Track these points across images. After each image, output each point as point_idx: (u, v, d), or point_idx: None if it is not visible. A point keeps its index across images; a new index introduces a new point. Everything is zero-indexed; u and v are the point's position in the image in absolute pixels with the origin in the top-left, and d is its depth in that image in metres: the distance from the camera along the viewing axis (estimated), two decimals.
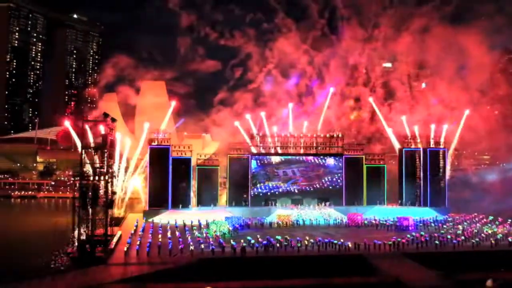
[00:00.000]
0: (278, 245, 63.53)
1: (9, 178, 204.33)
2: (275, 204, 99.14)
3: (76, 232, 63.10)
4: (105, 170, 66.83)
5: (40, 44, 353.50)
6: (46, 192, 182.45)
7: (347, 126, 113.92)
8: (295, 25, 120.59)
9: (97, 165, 65.84)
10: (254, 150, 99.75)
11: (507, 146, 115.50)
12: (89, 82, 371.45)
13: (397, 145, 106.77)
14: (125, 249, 60.99)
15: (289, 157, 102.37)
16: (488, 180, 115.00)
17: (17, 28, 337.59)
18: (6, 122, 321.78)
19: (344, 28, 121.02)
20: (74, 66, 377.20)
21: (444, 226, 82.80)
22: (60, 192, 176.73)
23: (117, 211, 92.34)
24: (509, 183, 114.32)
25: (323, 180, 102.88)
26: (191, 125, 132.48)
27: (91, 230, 64.09)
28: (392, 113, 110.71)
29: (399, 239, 65.26)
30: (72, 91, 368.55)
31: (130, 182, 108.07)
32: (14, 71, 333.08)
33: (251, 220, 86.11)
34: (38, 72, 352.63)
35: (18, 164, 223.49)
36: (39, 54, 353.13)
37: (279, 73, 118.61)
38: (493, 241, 67.46)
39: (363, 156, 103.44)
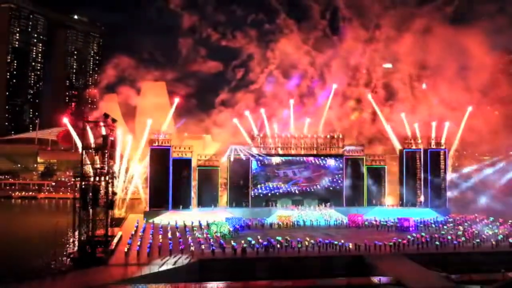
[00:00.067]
0: (278, 246, 63.49)
1: (10, 179, 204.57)
2: (276, 205, 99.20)
3: (76, 233, 63.06)
4: (105, 170, 66.88)
5: (40, 44, 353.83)
6: (46, 193, 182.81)
7: (349, 127, 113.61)
8: (296, 26, 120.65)
9: (98, 166, 65.88)
10: (255, 150, 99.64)
11: (508, 146, 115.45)
12: (90, 83, 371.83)
13: (398, 146, 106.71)
14: (126, 249, 60.97)
15: (290, 157, 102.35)
16: (489, 180, 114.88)
17: (18, 29, 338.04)
18: (6, 123, 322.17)
19: (346, 28, 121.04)
20: (74, 67, 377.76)
21: (445, 227, 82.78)
22: (61, 193, 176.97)
23: (117, 212, 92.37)
24: (510, 184, 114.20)
25: (323, 181, 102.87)
26: (192, 125, 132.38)
27: (91, 231, 64.15)
28: (393, 113, 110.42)
29: (399, 240, 65.22)
30: (73, 91, 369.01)
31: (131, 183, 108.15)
32: (14, 72, 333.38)
33: (252, 221, 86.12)
34: (38, 72, 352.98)
35: (19, 165, 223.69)
36: (39, 54, 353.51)
37: (281, 74, 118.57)
38: (493, 242, 67.36)
39: (364, 157, 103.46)
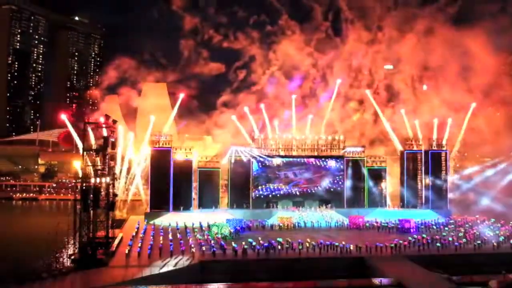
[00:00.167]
0: (279, 247, 63.48)
1: (11, 180, 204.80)
2: (277, 206, 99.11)
3: (77, 235, 63.08)
4: (106, 172, 66.95)
5: (41, 46, 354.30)
6: (47, 194, 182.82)
7: (351, 128, 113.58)
8: (299, 27, 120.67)
9: (99, 167, 65.97)
10: (255, 151, 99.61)
11: (510, 147, 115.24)
12: (91, 84, 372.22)
13: (399, 147, 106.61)
14: (127, 251, 60.92)
15: (291, 159, 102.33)
16: (490, 182, 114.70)
17: (19, 30, 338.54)
18: (7, 124, 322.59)
19: (348, 30, 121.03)
20: (75, 68, 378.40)
21: (446, 228, 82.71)
22: (62, 194, 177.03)
23: (118, 213, 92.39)
24: (511, 185, 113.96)
25: (324, 182, 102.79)
26: (193, 127, 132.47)
27: (92, 232, 64.23)
28: (395, 115, 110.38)
29: (400, 242, 65.15)
30: (74, 93, 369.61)
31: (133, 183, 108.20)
32: (15, 73, 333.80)
33: (252, 222, 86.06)
34: (39, 74, 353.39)
35: (20, 166, 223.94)
36: (40, 56, 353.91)
37: (283, 75, 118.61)
38: (495, 244, 67.25)
39: (365, 158, 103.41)
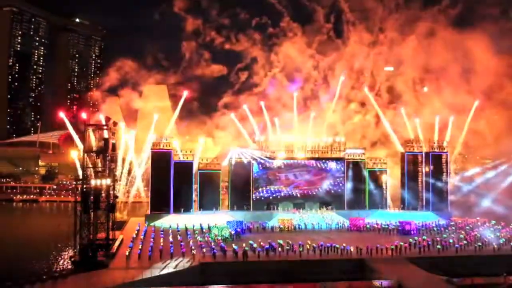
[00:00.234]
0: (280, 249, 63.43)
1: (11, 182, 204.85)
2: (277, 208, 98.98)
3: (77, 236, 63.06)
4: (107, 173, 66.97)
5: (42, 48, 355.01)
6: (48, 196, 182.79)
7: (352, 130, 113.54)
8: (301, 29, 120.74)
9: (99, 169, 65.98)
10: (256, 153, 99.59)
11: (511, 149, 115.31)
12: (91, 86, 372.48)
13: (400, 149, 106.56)
14: (127, 253, 60.86)
15: (291, 161, 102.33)
16: (491, 184, 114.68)
17: (20, 32, 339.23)
18: (8, 126, 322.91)
19: (350, 32, 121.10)
20: (76, 70, 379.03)
21: (447, 230, 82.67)
22: (62, 196, 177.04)
23: (119, 215, 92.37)
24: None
25: (325, 184, 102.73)
26: (194, 128, 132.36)
27: (92, 234, 64.19)
28: (397, 116, 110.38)
29: (401, 243, 65.07)
30: (74, 95, 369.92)
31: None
32: (16, 75, 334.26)
33: (253, 224, 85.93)
34: (40, 76, 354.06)
35: (20, 168, 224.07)
36: (41, 58, 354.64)
37: (285, 77, 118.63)
38: (495, 246, 67.23)
39: (365, 160, 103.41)
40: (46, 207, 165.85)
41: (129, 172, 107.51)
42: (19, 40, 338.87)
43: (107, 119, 73.32)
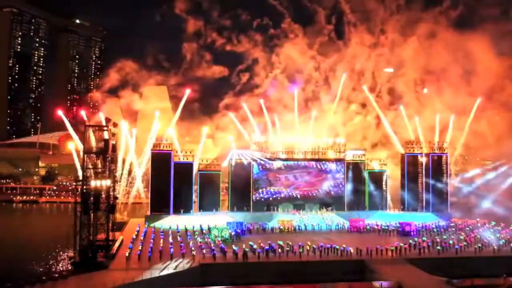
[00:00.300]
0: (280, 250, 63.44)
1: (11, 183, 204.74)
2: (277, 209, 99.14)
3: (77, 237, 63.03)
4: (107, 174, 66.94)
5: (42, 49, 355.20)
6: (48, 197, 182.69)
7: (353, 132, 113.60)
8: (302, 31, 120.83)
9: (99, 170, 65.95)
10: (256, 154, 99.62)
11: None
12: (91, 87, 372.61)
13: (401, 150, 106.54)
14: (127, 254, 60.86)
15: (291, 162, 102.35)
16: (491, 185, 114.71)
17: (20, 33, 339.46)
18: (8, 127, 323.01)
19: (351, 33, 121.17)
20: (76, 71, 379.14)
21: (447, 231, 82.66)
22: (62, 197, 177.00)
23: (119, 216, 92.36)
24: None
25: (325, 185, 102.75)
26: (194, 130, 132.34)
27: (92, 235, 64.16)
28: (397, 118, 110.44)
29: (401, 245, 65.06)
30: (75, 96, 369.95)
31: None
32: (16, 76, 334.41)
33: (253, 225, 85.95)
34: (40, 77, 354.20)
35: (20, 169, 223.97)
36: (41, 59, 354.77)
37: (286, 78, 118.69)
38: (495, 247, 67.23)
39: (365, 161, 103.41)
40: (46, 208, 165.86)
41: (129, 173, 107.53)
42: (19, 41, 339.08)
43: (107, 120, 73.34)
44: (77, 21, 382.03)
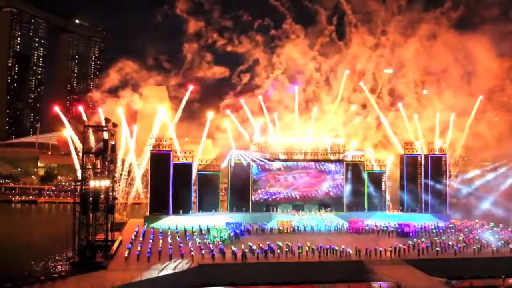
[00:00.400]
0: (279, 251, 63.42)
1: (10, 183, 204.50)
2: (276, 210, 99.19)
3: (76, 238, 63.01)
4: (106, 175, 66.93)
5: (42, 49, 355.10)
6: (47, 197, 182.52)
7: (353, 132, 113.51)
8: (303, 31, 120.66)
9: (98, 170, 65.95)
10: (256, 155, 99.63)
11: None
12: (91, 87, 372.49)
13: (401, 151, 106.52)
14: (126, 254, 60.86)
15: (291, 163, 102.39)
16: (491, 186, 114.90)
17: (19, 33, 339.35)
18: (7, 127, 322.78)
19: (352, 34, 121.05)
20: (75, 71, 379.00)
21: (446, 232, 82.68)
22: (61, 197, 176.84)
23: (118, 216, 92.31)
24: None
25: (324, 186, 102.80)
26: (194, 130, 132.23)
27: (91, 235, 64.15)
28: (398, 119, 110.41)
29: (400, 246, 65.10)
30: (74, 96, 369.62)
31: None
32: (15, 76, 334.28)
33: (252, 226, 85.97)
34: (39, 77, 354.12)
35: (19, 169, 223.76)
36: (40, 59, 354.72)
37: (287, 79, 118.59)
38: (494, 248, 67.30)
39: (364, 162, 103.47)
40: (45, 208, 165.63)
41: (129, 173, 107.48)
42: (19, 41, 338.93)
43: (107, 120, 73.31)
44: (77, 21, 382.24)
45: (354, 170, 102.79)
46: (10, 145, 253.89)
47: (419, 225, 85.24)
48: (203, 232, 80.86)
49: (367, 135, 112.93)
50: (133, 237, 73.73)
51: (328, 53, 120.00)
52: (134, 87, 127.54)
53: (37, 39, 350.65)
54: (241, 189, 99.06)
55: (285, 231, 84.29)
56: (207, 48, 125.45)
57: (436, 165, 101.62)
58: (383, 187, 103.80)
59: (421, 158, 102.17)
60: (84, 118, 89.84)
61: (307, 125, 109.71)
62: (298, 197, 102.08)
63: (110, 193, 69.00)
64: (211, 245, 66.99)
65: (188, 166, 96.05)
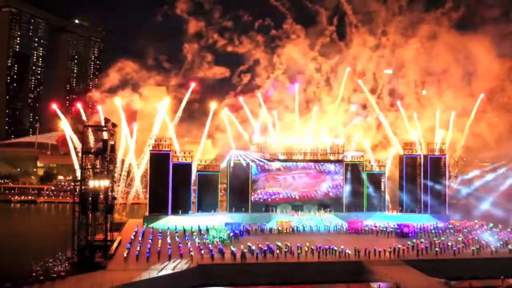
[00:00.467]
0: (278, 251, 63.46)
1: (9, 183, 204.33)
2: (275, 210, 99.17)
3: (76, 237, 62.99)
4: (105, 175, 66.90)
5: (41, 49, 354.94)
6: (46, 197, 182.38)
7: (353, 133, 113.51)
8: (304, 32, 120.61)
9: (98, 170, 65.91)
10: (255, 155, 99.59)
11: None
12: (90, 87, 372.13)
13: (401, 152, 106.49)
14: (125, 254, 60.88)
15: (290, 163, 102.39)
16: (490, 186, 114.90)
17: (19, 33, 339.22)
18: (6, 127, 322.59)
19: (353, 34, 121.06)
20: (75, 71, 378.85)
21: (445, 233, 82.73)
22: (60, 197, 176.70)
23: (117, 216, 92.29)
24: (511, 190, 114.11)
25: (323, 187, 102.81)
26: (194, 130, 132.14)
27: (91, 235, 64.10)
28: (397, 119, 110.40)
29: (399, 246, 65.17)
30: (73, 96, 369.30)
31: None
32: (15, 76, 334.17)
33: (251, 226, 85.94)
34: (39, 77, 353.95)
35: (18, 169, 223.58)
36: (40, 59, 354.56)
37: (287, 79, 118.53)
38: (493, 249, 67.35)
39: (364, 163, 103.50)
40: (44, 208, 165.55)
41: (128, 173, 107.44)
42: (18, 41, 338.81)
43: (106, 120, 73.30)
44: (76, 21, 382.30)
45: (354, 170, 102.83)
46: (9, 145, 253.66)
47: (418, 226, 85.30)
48: (202, 232, 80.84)
49: (367, 135, 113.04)
50: (132, 237, 73.76)
51: (329, 53, 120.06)
52: (134, 87, 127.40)
53: (36, 39, 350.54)
54: (240, 190, 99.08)
55: (284, 231, 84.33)
56: (208, 48, 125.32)
57: (436, 166, 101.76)
58: (383, 187, 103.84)
59: (420, 158, 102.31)
60: (84, 117, 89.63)
61: (307, 125, 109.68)
62: (297, 197, 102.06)
63: (110, 193, 68.99)
64: (210, 245, 67.02)
65: (188, 166, 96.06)
